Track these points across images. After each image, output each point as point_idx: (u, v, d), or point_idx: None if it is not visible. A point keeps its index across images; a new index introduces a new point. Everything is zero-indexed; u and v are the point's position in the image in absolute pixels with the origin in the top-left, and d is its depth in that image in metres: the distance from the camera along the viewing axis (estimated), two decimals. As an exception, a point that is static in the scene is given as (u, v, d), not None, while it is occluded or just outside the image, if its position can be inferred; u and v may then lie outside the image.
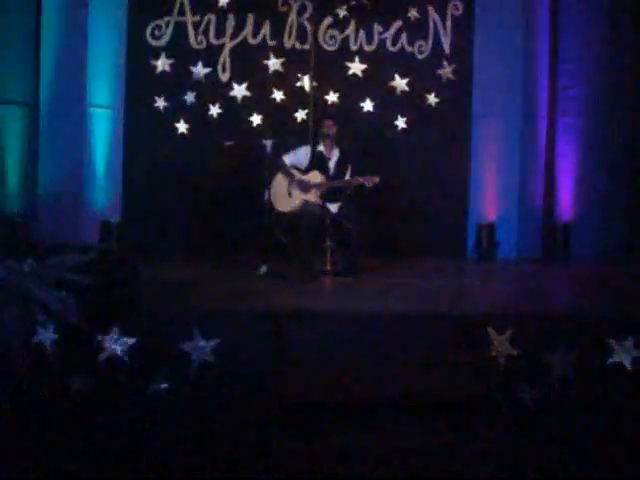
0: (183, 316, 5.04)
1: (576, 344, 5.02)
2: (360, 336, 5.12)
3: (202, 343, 4.87)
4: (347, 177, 7.38)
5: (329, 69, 9.06)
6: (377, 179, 7.18)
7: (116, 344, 4.79)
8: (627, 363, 4.78)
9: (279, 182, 7.40)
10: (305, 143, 7.83)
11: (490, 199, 9.11)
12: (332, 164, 7.45)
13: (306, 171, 7.40)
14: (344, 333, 5.12)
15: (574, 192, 9.02)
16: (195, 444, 4.76)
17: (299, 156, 7.48)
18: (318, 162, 7.42)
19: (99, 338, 4.76)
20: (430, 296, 6.36)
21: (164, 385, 4.78)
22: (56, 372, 4.58)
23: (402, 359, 5.01)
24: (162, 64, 8.98)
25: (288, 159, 7.45)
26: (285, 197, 7.35)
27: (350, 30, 9.12)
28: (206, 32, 9.01)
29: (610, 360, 4.86)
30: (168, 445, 4.75)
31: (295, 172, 7.38)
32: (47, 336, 4.53)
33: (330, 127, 7.48)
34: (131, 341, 4.81)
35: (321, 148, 7.50)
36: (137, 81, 8.99)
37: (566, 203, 9.15)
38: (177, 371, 4.83)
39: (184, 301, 5.80)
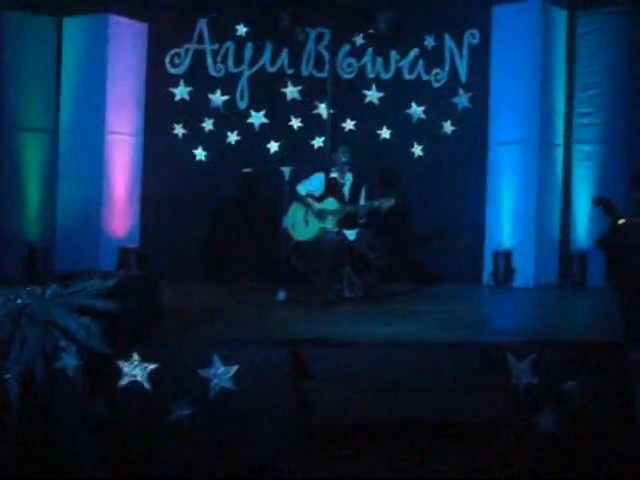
0: (202, 342, 5.04)
1: (596, 370, 5.01)
2: (378, 361, 5.11)
3: (221, 369, 4.88)
4: (361, 202, 7.41)
5: (346, 97, 9.12)
6: (392, 202, 7.21)
7: (136, 370, 4.81)
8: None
9: (296, 210, 7.43)
10: (320, 170, 7.84)
11: (507, 226, 9.10)
12: (346, 190, 7.46)
13: (321, 198, 7.42)
14: (362, 359, 5.12)
15: (590, 220, 9.00)
16: (215, 470, 4.76)
17: (314, 183, 7.49)
18: (332, 189, 7.43)
19: (120, 364, 4.78)
20: (448, 322, 6.36)
21: (185, 411, 4.79)
22: (78, 397, 4.59)
23: (420, 384, 5.01)
24: (181, 92, 9.06)
25: (303, 187, 7.48)
26: (302, 226, 7.37)
27: (367, 58, 9.19)
28: (224, 60, 9.09)
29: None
30: (188, 471, 4.77)
31: (311, 200, 7.39)
32: (69, 361, 4.55)
33: (344, 153, 7.48)
34: (151, 367, 4.83)
35: (335, 174, 7.51)
36: (156, 108, 9.07)
37: (583, 231, 9.15)
38: (197, 397, 4.84)
39: (203, 327, 5.82)
